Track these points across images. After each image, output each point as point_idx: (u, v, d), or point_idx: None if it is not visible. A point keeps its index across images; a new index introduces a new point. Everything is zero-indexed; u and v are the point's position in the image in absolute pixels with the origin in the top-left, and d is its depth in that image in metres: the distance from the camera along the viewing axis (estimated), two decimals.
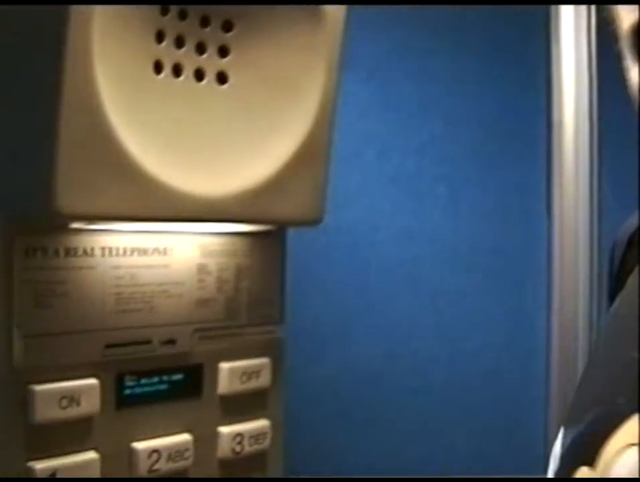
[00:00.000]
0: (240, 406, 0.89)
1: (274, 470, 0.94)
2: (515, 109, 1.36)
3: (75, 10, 0.67)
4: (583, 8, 1.38)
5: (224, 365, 0.87)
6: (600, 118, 1.39)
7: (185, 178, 0.74)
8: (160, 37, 0.76)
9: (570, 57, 1.38)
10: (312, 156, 0.83)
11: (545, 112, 1.38)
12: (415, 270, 1.31)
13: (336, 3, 0.83)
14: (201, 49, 0.79)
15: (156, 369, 0.82)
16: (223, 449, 0.87)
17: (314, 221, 0.85)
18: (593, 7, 1.38)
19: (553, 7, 1.39)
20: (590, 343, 1.37)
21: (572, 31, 1.38)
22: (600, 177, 1.39)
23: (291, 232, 0.93)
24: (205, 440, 0.86)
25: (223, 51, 0.80)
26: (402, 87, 1.29)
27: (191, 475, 0.85)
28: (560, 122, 1.38)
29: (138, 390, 0.81)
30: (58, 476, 0.75)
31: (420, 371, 1.32)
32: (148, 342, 0.81)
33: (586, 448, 0.51)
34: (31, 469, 0.74)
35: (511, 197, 1.35)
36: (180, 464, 0.83)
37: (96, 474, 0.77)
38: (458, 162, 1.33)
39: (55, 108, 0.67)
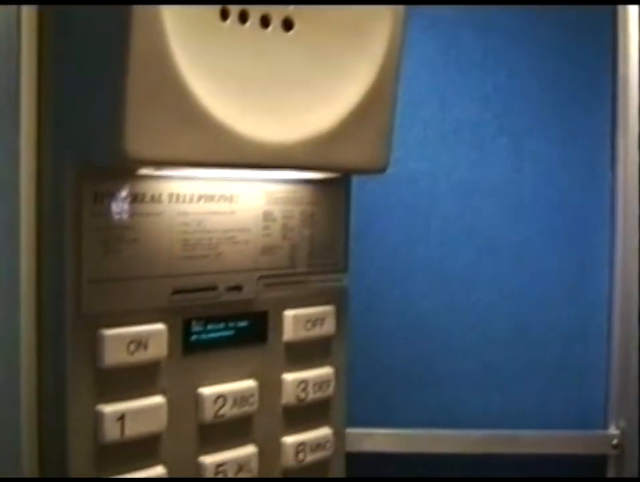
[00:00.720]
0: (304, 353, 0.89)
1: (337, 418, 0.94)
2: (580, 61, 1.33)
3: None
4: None
5: (289, 313, 0.87)
6: None
7: (252, 124, 0.74)
8: None
9: (636, 8, 1.35)
10: (378, 103, 0.82)
11: (611, 65, 1.35)
12: (476, 222, 1.30)
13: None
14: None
15: (222, 315, 0.83)
16: (288, 396, 0.88)
17: (379, 169, 0.84)
18: None
19: None
20: None
21: None
22: None
23: (353, 183, 0.93)
24: (270, 386, 0.87)
25: None
26: (466, 37, 1.27)
27: (256, 421, 0.86)
28: (626, 76, 1.35)
29: (204, 336, 0.81)
30: (126, 419, 0.76)
31: (480, 324, 1.31)
32: (214, 288, 0.82)
33: None
34: (99, 413, 0.75)
35: (574, 149, 1.33)
36: (245, 409, 0.84)
37: (163, 418, 0.78)
38: (521, 113, 1.31)
39: (124, 54, 0.67)
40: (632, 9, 1.33)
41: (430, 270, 1.29)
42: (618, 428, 1.35)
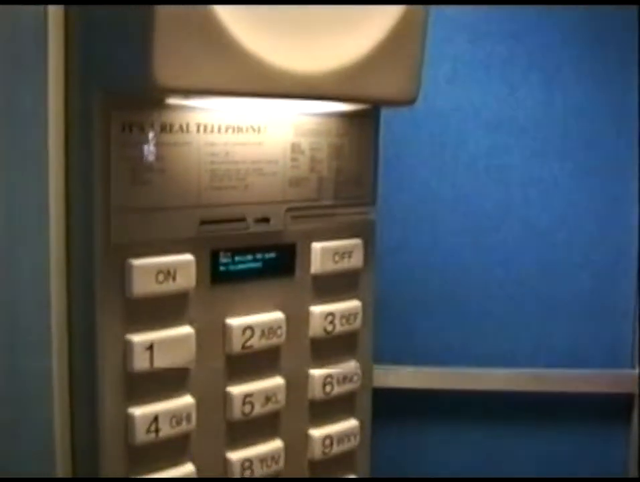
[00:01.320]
0: (331, 286, 0.90)
1: (364, 352, 0.94)
2: None
3: None
4: None
5: (317, 245, 0.87)
6: None
7: (282, 54, 0.73)
8: None
9: None
10: (408, 34, 0.81)
11: None
12: (505, 160, 1.29)
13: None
14: None
15: (250, 247, 0.83)
16: (315, 328, 0.88)
17: (408, 101, 0.83)
18: None
19: None
20: None
21: None
22: None
23: (383, 118, 0.92)
24: (297, 319, 0.87)
25: None
26: None
27: (283, 352, 0.87)
28: None
29: (232, 267, 0.82)
30: (155, 349, 0.76)
31: (508, 263, 1.31)
32: (242, 220, 0.81)
33: None
34: (129, 342, 0.76)
35: (605, 85, 1.31)
36: (272, 341, 0.84)
37: (192, 349, 0.79)
38: (552, 50, 1.29)
39: None
40: None
41: (458, 206, 1.29)
42: None
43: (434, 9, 0.86)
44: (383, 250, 1.14)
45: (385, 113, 0.92)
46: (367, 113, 0.89)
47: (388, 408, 1.24)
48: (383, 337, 1.03)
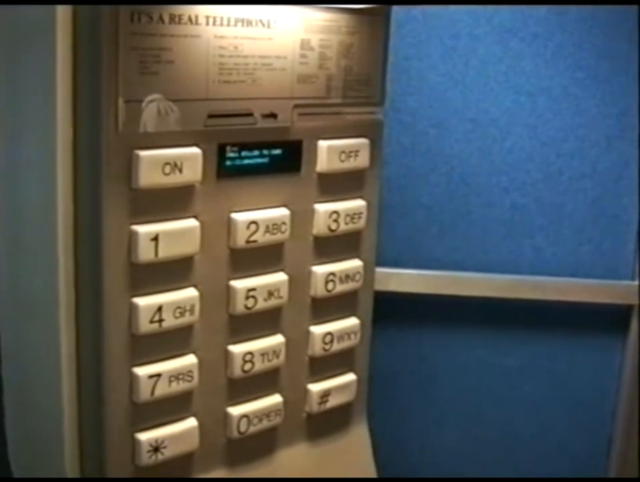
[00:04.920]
0: (337, 185, 0.90)
1: (367, 252, 0.95)
2: None
3: None
4: None
5: (323, 143, 0.87)
6: None
7: None
8: None
9: None
10: None
11: None
12: (516, 67, 1.28)
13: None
14: None
15: (257, 142, 0.83)
16: (319, 226, 0.89)
17: None
18: None
19: None
20: None
21: None
22: None
23: (394, 23, 0.91)
24: (302, 216, 0.88)
25: None
26: None
27: (286, 249, 0.88)
28: None
29: (238, 162, 0.82)
30: (160, 240, 0.77)
31: (514, 170, 1.31)
32: (249, 114, 0.81)
33: None
34: (134, 232, 0.76)
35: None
36: (276, 237, 0.85)
37: (196, 241, 0.80)
38: None
39: None
40: None
41: (466, 113, 1.28)
42: None
43: None
44: (390, 153, 1.14)
45: (396, 15, 0.91)
46: (378, 12, 0.88)
47: (390, 312, 1.25)
48: (386, 240, 1.03)
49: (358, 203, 0.92)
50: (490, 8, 1.25)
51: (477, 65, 1.26)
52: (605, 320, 1.38)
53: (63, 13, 0.74)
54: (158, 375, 0.80)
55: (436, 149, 1.28)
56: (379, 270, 1.03)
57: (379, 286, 1.08)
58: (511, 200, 1.31)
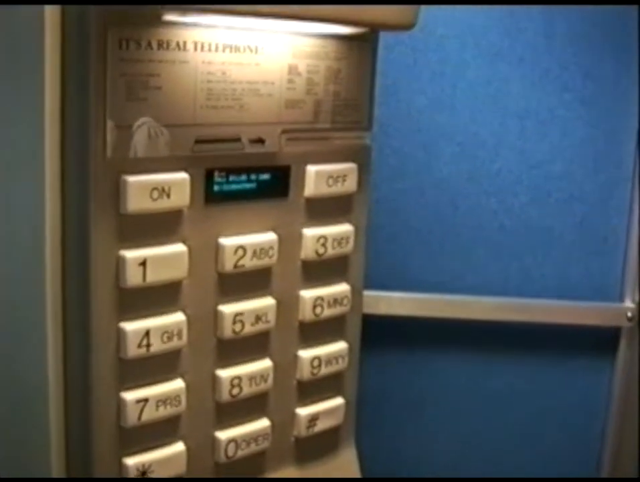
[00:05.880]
0: (324, 209, 0.90)
1: (355, 276, 0.95)
2: None
3: None
4: None
5: (311, 168, 0.87)
6: None
7: None
8: None
9: None
10: None
11: None
12: (503, 90, 1.29)
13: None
14: None
15: (245, 167, 0.83)
16: (307, 250, 0.89)
17: (406, 25, 0.83)
18: None
19: None
20: None
21: None
22: None
23: (382, 46, 0.91)
24: (290, 240, 0.88)
25: None
26: None
27: (274, 273, 0.87)
28: None
29: (226, 187, 0.82)
30: (148, 265, 0.77)
31: (502, 192, 1.31)
32: (237, 140, 0.82)
33: None
34: (121, 257, 0.76)
35: (606, 17, 1.30)
36: (264, 261, 0.85)
37: (184, 266, 0.80)
38: None
39: None
40: None
41: (454, 136, 1.28)
42: (633, 301, 1.36)
43: None
44: (379, 177, 1.15)
45: (384, 39, 0.91)
46: (366, 37, 0.88)
47: (379, 335, 1.25)
48: (375, 263, 1.04)
49: (346, 228, 0.92)
50: (478, 28, 1.26)
51: (465, 88, 1.27)
52: (594, 343, 1.38)
53: (51, 38, 0.74)
54: (146, 399, 0.80)
55: (425, 172, 1.28)
56: (367, 293, 1.03)
57: (368, 309, 1.09)
58: (499, 222, 1.32)
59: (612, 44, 1.30)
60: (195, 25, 0.76)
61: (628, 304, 1.37)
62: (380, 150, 0.98)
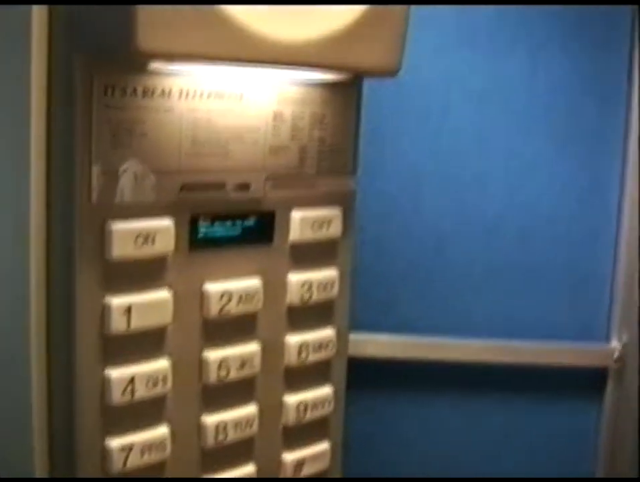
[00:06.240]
0: (309, 254, 0.90)
1: (340, 320, 0.95)
2: None
3: None
4: None
5: (296, 213, 0.88)
6: None
7: (265, 21, 0.73)
8: None
9: None
10: (391, 6, 0.81)
11: None
12: (488, 132, 1.29)
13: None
14: None
15: (230, 213, 0.83)
16: (292, 296, 0.89)
17: (391, 72, 0.83)
18: None
19: None
20: None
21: None
22: None
23: (366, 90, 0.92)
24: (275, 286, 0.88)
25: None
26: None
27: (260, 319, 0.87)
28: None
29: (211, 233, 0.82)
30: (132, 312, 0.77)
31: (488, 233, 1.32)
32: (222, 186, 0.82)
33: None
34: (106, 304, 0.76)
35: (590, 63, 1.31)
36: (249, 307, 0.85)
37: (169, 312, 0.80)
38: (537, 24, 1.29)
39: None
40: None
41: (440, 177, 1.29)
42: (620, 341, 1.37)
43: None
44: (365, 219, 1.15)
45: (369, 83, 0.92)
46: (350, 83, 0.89)
47: (364, 377, 1.25)
48: (362, 304, 1.04)
49: (331, 273, 0.92)
50: (462, 73, 1.27)
51: (450, 130, 1.28)
52: (581, 383, 1.38)
53: (37, 82, 0.74)
54: (131, 447, 0.79)
55: (411, 214, 1.29)
56: (354, 335, 1.03)
57: (355, 351, 1.08)
58: (486, 263, 1.32)
59: (595, 86, 1.31)
60: (180, 73, 0.77)
61: (615, 344, 1.37)
62: (366, 192, 0.98)
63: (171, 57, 0.70)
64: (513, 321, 1.35)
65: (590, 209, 1.34)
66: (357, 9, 0.79)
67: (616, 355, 1.36)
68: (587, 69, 1.31)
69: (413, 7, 0.84)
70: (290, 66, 0.77)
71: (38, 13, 0.74)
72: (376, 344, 1.30)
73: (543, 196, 1.32)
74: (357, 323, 1.04)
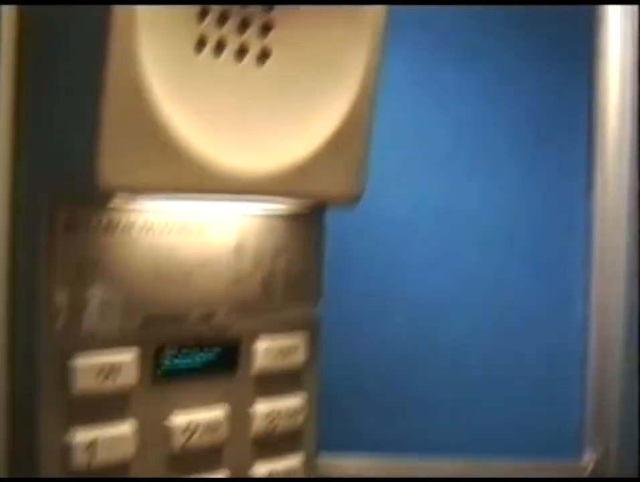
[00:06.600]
0: (275, 383, 0.90)
1: (307, 448, 0.94)
2: (558, 90, 1.35)
3: None
4: None
5: (260, 343, 0.88)
6: None
7: (226, 154, 0.75)
8: (203, 14, 0.76)
9: (616, 42, 1.37)
10: (352, 135, 0.83)
11: (588, 96, 1.37)
12: (452, 253, 1.30)
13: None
14: (244, 25, 0.79)
15: (194, 344, 0.83)
16: (258, 425, 0.88)
17: (353, 200, 0.85)
18: None
19: None
20: (629, 326, 1.36)
21: (618, 18, 1.36)
22: None
23: (330, 214, 0.93)
24: (240, 416, 0.87)
25: (266, 28, 0.80)
26: (443, 67, 1.28)
27: (225, 450, 0.86)
28: (605, 109, 1.37)
29: (175, 364, 0.82)
30: (95, 447, 0.76)
31: (456, 354, 1.32)
32: (185, 317, 0.82)
33: None
34: (68, 440, 0.75)
35: (551, 178, 1.34)
36: (215, 438, 0.84)
37: (132, 446, 0.79)
38: (499, 143, 1.31)
39: (99, 83, 0.68)
40: (612, 39, 1.34)
41: (405, 300, 1.29)
42: (592, 456, 1.36)
43: (382, 106, 0.88)
44: (330, 344, 1.15)
45: (332, 210, 0.93)
46: (313, 212, 0.90)
47: None
48: (329, 427, 1.03)
49: (297, 401, 0.91)
50: (425, 192, 1.29)
51: (415, 253, 1.29)
52: None
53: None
54: None
55: (376, 337, 1.28)
56: (322, 457, 1.02)
57: (323, 473, 1.07)
58: (454, 380, 1.32)
59: (557, 207, 1.34)
60: (142, 207, 0.78)
61: (587, 459, 1.36)
62: (331, 317, 0.99)
63: (133, 193, 0.72)
64: (482, 439, 1.34)
65: (558, 324, 1.35)
66: (317, 139, 0.81)
67: (588, 470, 1.35)
68: (548, 186, 1.33)
69: (374, 134, 0.86)
70: (252, 199, 0.78)
71: (1, 145, 0.75)
72: (343, 465, 1.28)
73: (509, 316, 1.33)
74: (326, 444, 1.03)
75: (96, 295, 0.76)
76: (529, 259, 1.33)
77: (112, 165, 0.69)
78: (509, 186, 1.32)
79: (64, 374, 0.75)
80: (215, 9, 0.76)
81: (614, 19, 1.36)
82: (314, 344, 0.93)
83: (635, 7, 1.36)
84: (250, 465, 0.89)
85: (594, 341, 1.36)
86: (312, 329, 0.93)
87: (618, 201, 1.36)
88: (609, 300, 1.35)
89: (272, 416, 0.89)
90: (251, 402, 0.88)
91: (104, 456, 0.77)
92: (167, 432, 0.82)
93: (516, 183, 1.32)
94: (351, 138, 0.83)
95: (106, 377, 0.76)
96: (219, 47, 0.77)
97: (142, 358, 0.79)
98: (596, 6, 1.36)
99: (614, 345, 1.35)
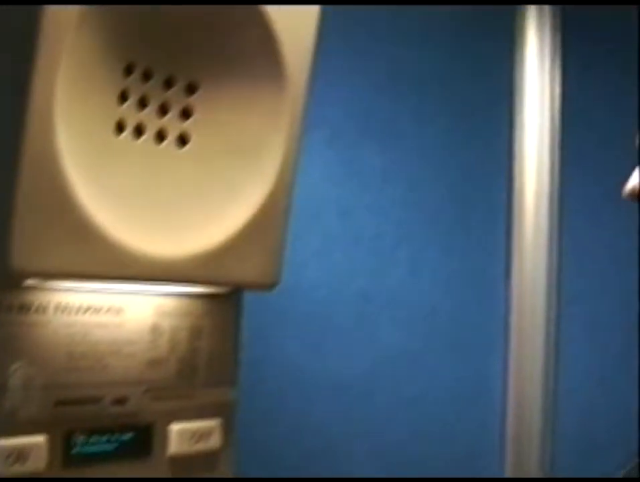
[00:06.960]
0: (189, 466, 0.88)
1: None
2: (476, 174, 1.38)
3: (40, 67, 0.68)
4: (547, 73, 1.41)
5: (174, 426, 0.86)
6: (560, 185, 1.41)
7: (142, 238, 0.75)
8: (123, 97, 0.77)
9: (534, 122, 1.41)
10: (269, 220, 0.84)
11: (506, 178, 1.40)
12: (373, 332, 1.31)
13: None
14: (164, 110, 0.80)
15: (106, 427, 0.82)
16: None
17: (269, 285, 0.86)
18: (557, 73, 1.41)
19: (517, 73, 1.41)
20: (545, 407, 1.38)
21: (536, 97, 1.41)
22: (560, 243, 1.41)
23: (248, 293, 0.93)
24: None
25: (186, 113, 0.81)
26: (365, 148, 1.30)
27: None
28: (521, 189, 1.40)
29: (87, 448, 0.80)
30: None
31: (377, 431, 1.31)
32: (98, 400, 0.81)
33: None
34: None
35: (470, 261, 1.36)
36: None
37: None
38: (419, 225, 1.34)
39: (14, 165, 0.68)
40: (528, 117, 1.38)
41: (326, 378, 1.29)
42: None
43: (304, 187, 0.89)
44: (250, 423, 1.14)
45: (249, 294, 0.93)
46: (229, 294, 0.90)
47: None
48: None
49: None
50: (346, 272, 1.30)
51: (335, 330, 1.29)
52: None
53: None
54: None
55: (297, 416, 1.28)
56: None
57: None
58: (376, 461, 1.32)
59: (476, 290, 1.36)
60: (56, 288, 0.77)
61: None
62: (252, 393, 0.98)
63: (46, 275, 0.71)
64: None
65: (474, 407, 1.36)
66: (234, 225, 0.81)
67: None
68: (467, 268, 1.36)
69: (295, 212, 0.86)
70: (166, 282, 0.78)
71: None
72: None
73: (428, 394, 1.34)
74: None
75: (7, 378, 0.74)
76: (448, 340, 1.35)
77: (25, 248, 0.68)
78: (430, 269, 1.34)
79: None
80: (136, 92, 0.77)
81: (532, 101, 1.40)
82: (229, 428, 0.92)
83: (547, 88, 1.41)
84: None
85: (511, 424, 1.38)
86: (227, 413, 0.92)
87: (535, 285, 1.39)
88: (528, 386, 1.38)
89: None
90: None
91: None
92: None
93: (436, 267, 1.34)
94: (268, 226, 0.84)
95: (15, 461, 0.75)
96: (139, 129, 0.78)
97: (52, 442, 0.77)
98: (514, 85, 1.40)
99: (531, 429, 1.38)
